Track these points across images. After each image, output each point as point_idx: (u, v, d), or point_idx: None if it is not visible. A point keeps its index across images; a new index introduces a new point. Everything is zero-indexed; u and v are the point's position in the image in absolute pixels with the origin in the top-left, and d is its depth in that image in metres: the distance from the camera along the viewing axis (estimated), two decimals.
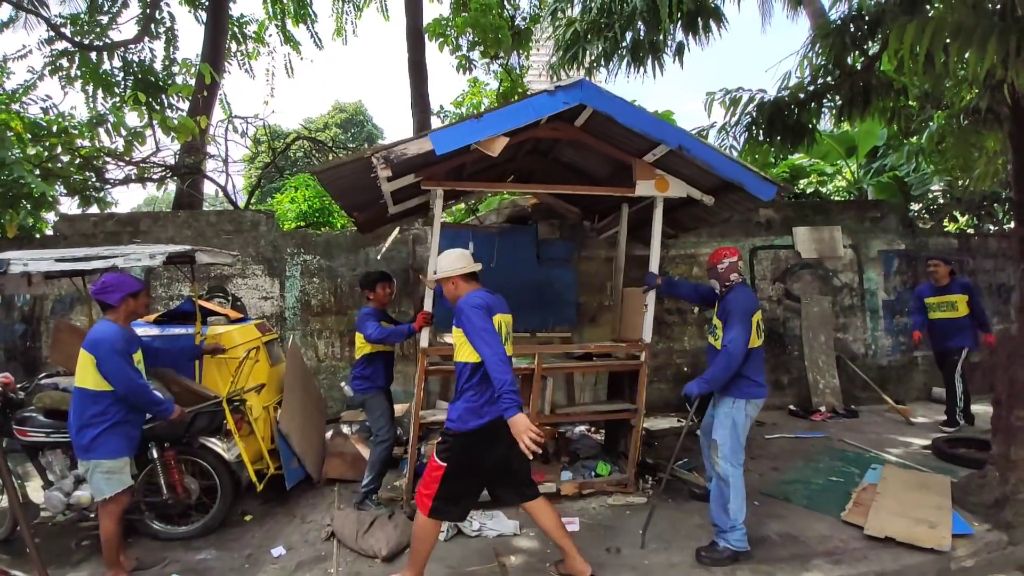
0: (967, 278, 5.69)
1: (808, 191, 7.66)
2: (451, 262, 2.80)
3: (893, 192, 7.49)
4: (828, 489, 3.86)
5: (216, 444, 3.45)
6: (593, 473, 4.02)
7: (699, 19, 3.15)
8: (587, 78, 3.24)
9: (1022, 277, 3.40)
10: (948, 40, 2.30)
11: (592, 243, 6.02)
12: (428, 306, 3.52)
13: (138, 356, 3.00)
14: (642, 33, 2.98)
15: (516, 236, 5.92)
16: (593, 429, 5.21)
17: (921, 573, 2.95)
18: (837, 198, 8.33)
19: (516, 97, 9.38)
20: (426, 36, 8.66)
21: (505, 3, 8.36)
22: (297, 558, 3.13)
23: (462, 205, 7.70)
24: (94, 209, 6.28)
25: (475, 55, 8.98)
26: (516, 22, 8.47)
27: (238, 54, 10.52)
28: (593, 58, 3.48)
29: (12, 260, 2.87)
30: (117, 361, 2.78)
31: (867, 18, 3.53)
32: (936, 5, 3.63)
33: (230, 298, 5.75)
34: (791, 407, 6.12)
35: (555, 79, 3.90)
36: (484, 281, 2.91)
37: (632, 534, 3.27)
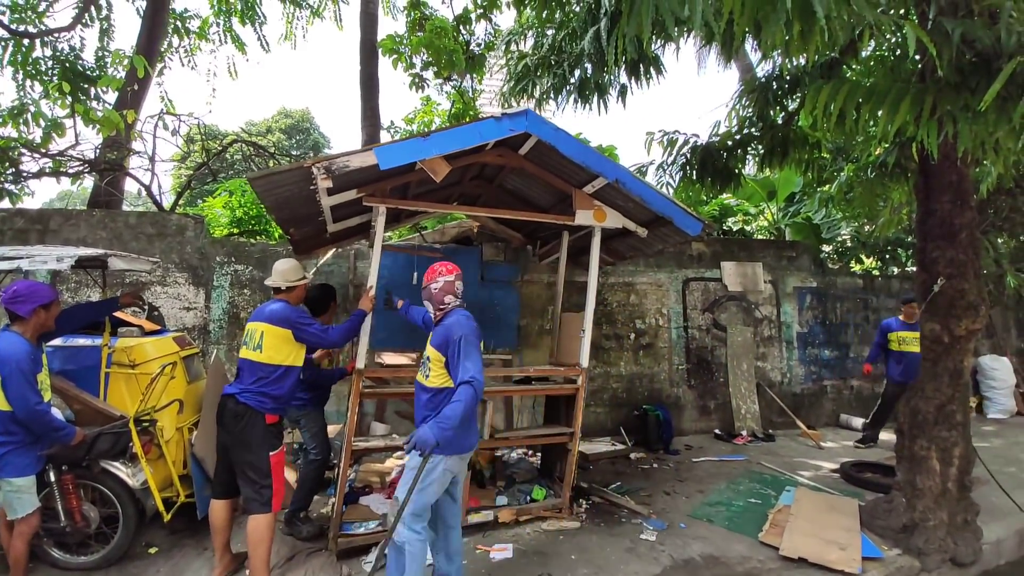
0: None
1: (735, 228, 8.24)
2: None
3: (807, 234, 8.21)
4: (747, 510, 4.07)
5: (120, 469, 3.14)
6: (528, 497, 4.02)
7: (640, 66, 3.37)
8: (534, 109, 3.35)
9: (923, 317, 3.79)
10: (860, 101, 2.59)
11: (535, 267, 6.13)
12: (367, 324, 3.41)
13: (43, 375, 2.75)
14: (589, 72, 3.13)
15: (460, 257, 5.93)
16: (530, 452, 5.22)
17: None
18: (760, 237, 9.02)
19: (467, 119, 9.50)
20: (380, 51, 8.63)
21: (461, 28, 8.51)
22: None
23: (405, 225, 7.63)
24: (5, 203, 5.67)
25: (428, 74, 9.05)
26: (471, 47, 8.62)
27: (180, 50, 10.01)
28: (542, 91, 3.62)
29: None
30: (19, 383, 2.56)
31: (787, 78, 3.92)
32: (855, 67, 4.08)
33: (146, 307, 5.31)
34: (716, 431, 6.44)
35: (506, 107, 4.00)
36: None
37: (564, 559, 3.29)
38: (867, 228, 6.91)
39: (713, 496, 4.39)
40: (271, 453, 2.86)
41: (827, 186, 5.97)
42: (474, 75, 9.55)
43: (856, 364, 7.40)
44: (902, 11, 2.83)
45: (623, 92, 3.59)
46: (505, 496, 4.04)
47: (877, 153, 4.39)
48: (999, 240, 6.85)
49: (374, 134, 9.12)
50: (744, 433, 6.35)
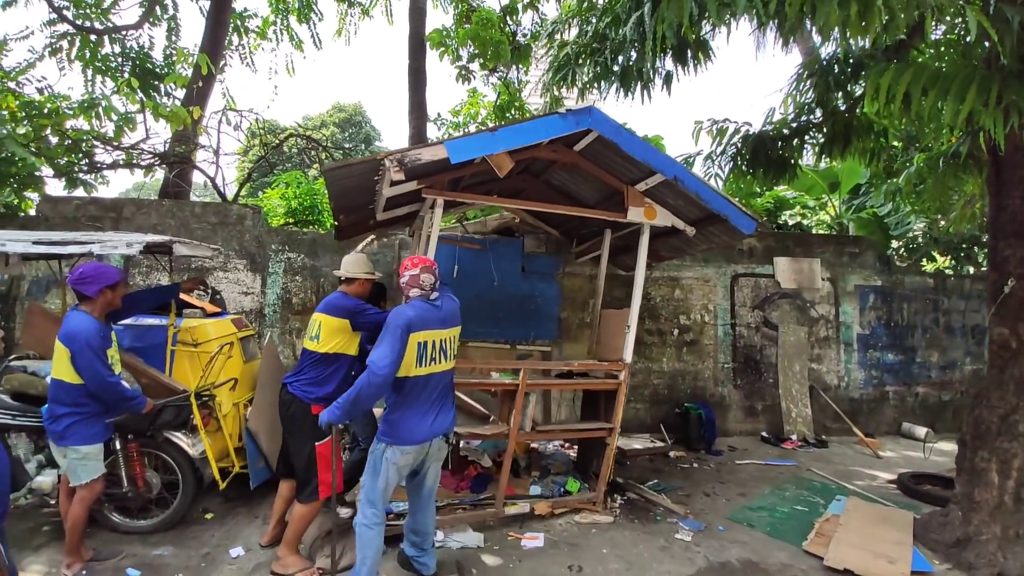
0: None
1: (791, 223, 7.82)
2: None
3: (873, 229, 7.68)
4: (792, 518, 3.90)
5: (181, 439, 3.40)
6: (563, 489, 4.02)
7: (687, 51, 3.24)
8: (576, 99, 3.31)
9: (993, 320, 3.50)
10: (925, 86, 2.39)
11: (576, 260, 6.08)
12: None
13: (112, 351, 2.95)
14: (632, 60, 3.04)
15: (503, 247, 5.96)
16: (567, 444, 5.21)
17: None
18: (820, 231, 8.51)
19: (514, 110, 9.48)
20: (427, 44, 8.75)
21: (508, 19, 8.48)
22: (255, 560, 3.07)
23: (449, 216, 7.75)
24: (79, 192, 6.20)
25: (475, 66, 9.08)
26: (517, 37, 8.58)
27: (240, 48, 10.53)
28: (585, 80, 3.56)
29: None
30: (90, 358, 2.74)
31: (851, 61, 3.66)
32: (927, 51, 3.76)
33: (209, 291, 5.67)
34: (763, 434, 6.19)
35: (547, 96, 3.96)
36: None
37: (595, 552, 3.27)
38: (940, 224, 6.37)
39: (756, 501, 4.24)
40: (317, 443, 2.88)
41: (895, 178, 5.54)
42: (520, 66, 9.51)
43: (923, 369, 6.90)
44: None
45: (668, 79, 3.47)
46: (539, 486, 4.07)
47: (951, 142, 4.03)
48: None
49: (421, 127, 9.27)
50: (794, 437, 6.07)
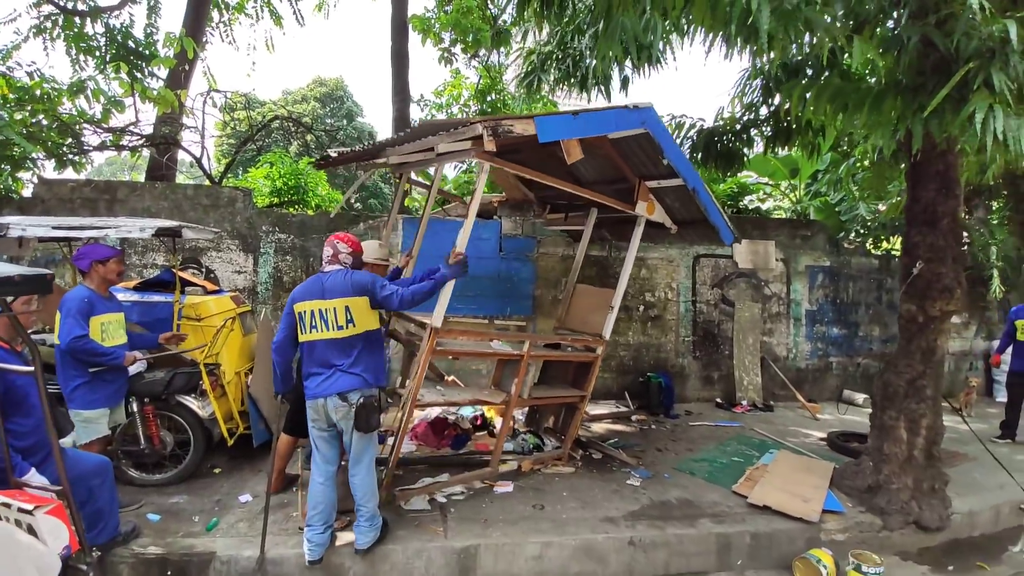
0: None
1: (751, 207, 8.36)
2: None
3: (830, 214, 8.26)
4: (729, 467, 4.51)
5: (191, 402, 3.82)
6: (529, 445, 4.56)
7: (640, 57, 3.64)
8: (544, 97, 3.69)
9: (903, 298, 4.05)
10: (827, 101, 2.85)
11: (551, 241, 6.53)
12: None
13: (107, 318, 3.20)
14: (591, 68, 3.42)
15: (482, 228, 6.38)
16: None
17: (790, 538, 3.57)
18: (779, 215, 9.09)
19: (494, 94, 9.75)
20: (410, 27, 8.93)
21: (489, 3, 8.68)
22: (262, 504, 3.52)
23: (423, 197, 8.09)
24: (69, 172, 6.40)
25: (457, 49, 9.30)
26: (498, 23, 8.81)
27: (220, 24, 10.52)
28: (550, 86, 3.94)
29: (12, 224, 3.15)
30: (65, 320, 2.98)
31: (788, 66, 4.10)
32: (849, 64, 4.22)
33: (203, 270, 6.00)
34: (717, 400, 6.83)
35: (516, 97, 4.33)
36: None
37: (556, 495, 3.83)
38: (880, 210, 6.98)
39: (700, 454, 4.84)
40: None
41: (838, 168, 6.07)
42: (502, 49, 9.74)
43: (865, 342, 7.59)
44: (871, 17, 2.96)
45: (625, 83, 3.89)
46: (511, 443, 4.60)
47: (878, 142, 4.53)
48: None
49: (404, 109, 9.50)
50: (744, 403, 6.72)
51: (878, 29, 2.88)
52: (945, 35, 2.52)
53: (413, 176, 4.88)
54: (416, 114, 11.59)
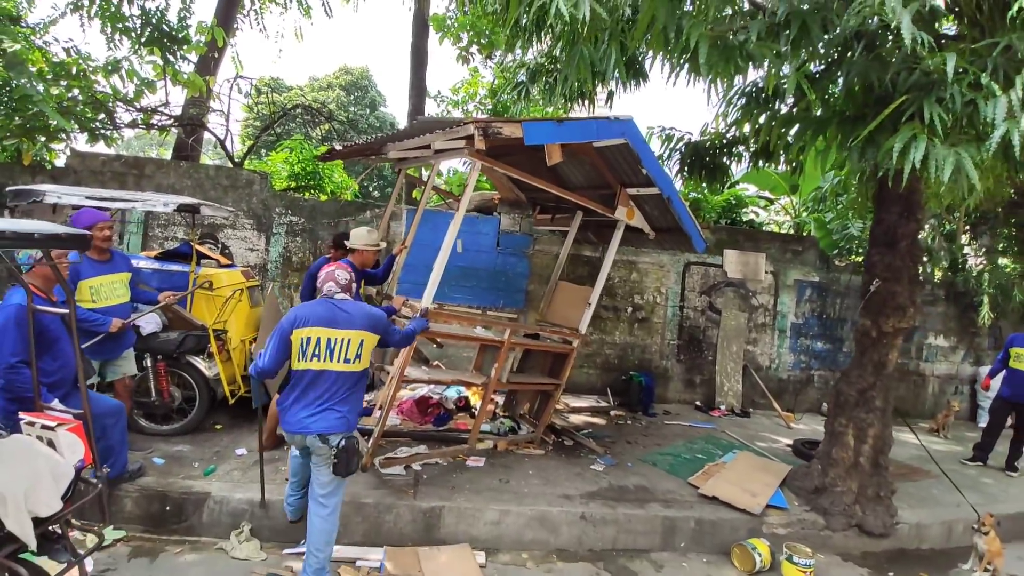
0: None
1: (745, 219, 8.58)
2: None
3: (825, 231, 8.43)
4: (691, 462, 4.80)
5: (200, 363, 4.22)
6: (505, 428, 4.90)
7: (628, 74, 3.91)
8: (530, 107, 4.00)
9: (861, 314, 4.30)
10: (783, 129, 3.13)
11: (546, 239, 6.85)
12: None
13: (103, 280, 3.45)
14: (575, 82, 3.71)
15: (481, 224, 6.73)
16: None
17: (733, 527, 3.87)
18: (774, 229, 9.27)
19: (505, 94, 10.07)
20: (430, 25, 9.28)
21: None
22: (255, 457, 3.92)
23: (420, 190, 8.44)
24: (101, 146, 6.87)
25: (475, 49, 9.65)
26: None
27: (251, 12, 10.97)
28: (537, 96, 4.25)
29: (48, 192, 3.56)
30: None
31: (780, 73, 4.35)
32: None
33: (219, 245, 6.43)
34: (697, 402, 7.09)
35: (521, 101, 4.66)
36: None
37: (523, 473, 4.16)
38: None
39: (667, 449, 5.13)
40: None
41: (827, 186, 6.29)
42: (519, 49, 10.04)
43: (848, 357, 7.76)
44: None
45: (610, 96, 4.19)
46: (489, 425, 4.94)
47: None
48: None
49: (419, 105, 9.86)
50: (723, 407, 6.97)
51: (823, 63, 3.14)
52: (884, 70, 2.78)
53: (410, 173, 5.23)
54: (432, 109, 11.94)
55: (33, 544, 1.87)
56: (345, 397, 2.75)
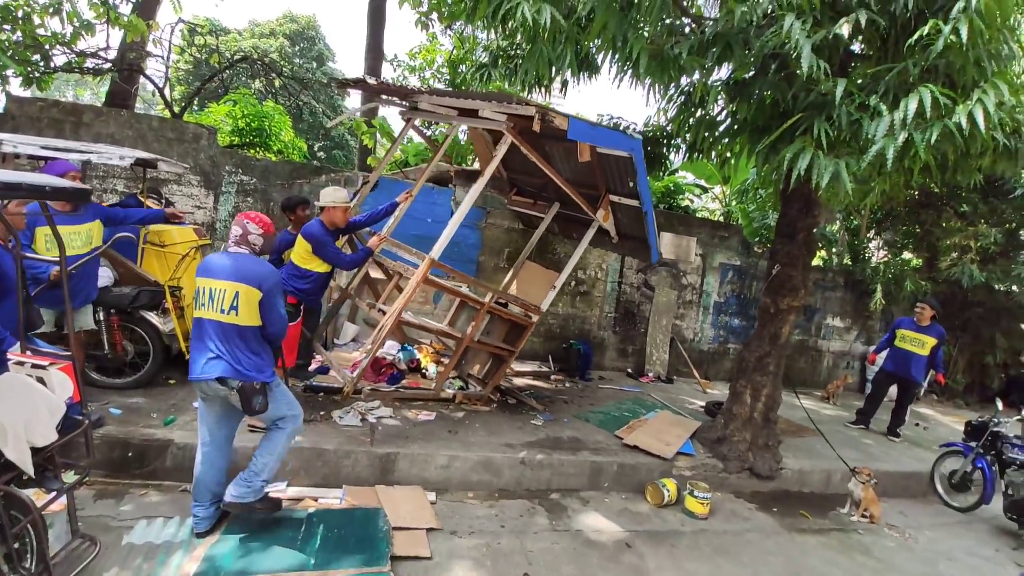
0: (943, 328, 6.36)
1: (682, 205, 9.30)
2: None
3: (748, 220, 9.31)
4: (618, 419, 5.43)
5: (154, 317, 4.29)
6: (453, 386, 5.31)
7: (581, 68, 4.26)
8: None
9: (764, 293, 5.00)
10: (707, 131, 3.62)
11: (498, 213, 7.18)
12: None
13: (68, 230, 3.44)
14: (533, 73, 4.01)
15: (436, 195, 6.94)
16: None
17: (649, 470, 4.51)
18: (705, 215, 10.10)
19: (465, 65, 10.12)
20: None
21: None
22: None
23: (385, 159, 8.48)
24: (35, 90, 6.43)
25: (434, 16, 9.57)
26: None
27: None
28: (496, 82, 4.52)
29: (4, 140, 3.47)
30: None
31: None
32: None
33: (163, 201, 6.27)
34: (628, 370, 7.81)
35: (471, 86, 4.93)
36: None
37: (470, 427, 4.59)
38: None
39: (599, 408, 5.74)
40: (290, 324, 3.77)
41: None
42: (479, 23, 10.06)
43: None
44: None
45: (564, 85, 4.55)
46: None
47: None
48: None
49: (376, 66, 9.74)
50: (651, 374, 7.73)
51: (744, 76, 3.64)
52: (790, 89, 3.30)
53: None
54: (388, 73, 11.73)
55: (31, 471, 2.07)
56: (231, 348, 2.77)
